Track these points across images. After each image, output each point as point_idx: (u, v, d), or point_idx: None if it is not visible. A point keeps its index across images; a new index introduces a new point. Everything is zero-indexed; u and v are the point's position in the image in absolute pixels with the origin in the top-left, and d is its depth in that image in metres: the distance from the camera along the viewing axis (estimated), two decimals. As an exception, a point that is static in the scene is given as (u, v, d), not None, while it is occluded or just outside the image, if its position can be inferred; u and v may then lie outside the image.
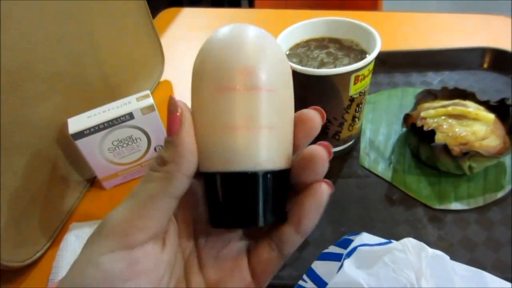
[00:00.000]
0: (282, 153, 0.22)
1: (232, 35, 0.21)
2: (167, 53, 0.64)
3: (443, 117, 0.42)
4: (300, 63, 0.41)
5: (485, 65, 0.56)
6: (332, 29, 0.44)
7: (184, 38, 0.74)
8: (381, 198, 0.41)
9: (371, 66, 0.39)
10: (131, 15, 0.54)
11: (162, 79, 0.64)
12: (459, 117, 0.42)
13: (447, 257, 0.24)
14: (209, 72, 0.21)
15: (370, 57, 0.37)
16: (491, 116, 0.41)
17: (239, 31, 0.22)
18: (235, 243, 0.25)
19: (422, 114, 0.44)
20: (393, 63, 0.57)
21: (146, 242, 0.20)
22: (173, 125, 0.21)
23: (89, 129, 0.42)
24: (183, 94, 0.59)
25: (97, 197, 0.47)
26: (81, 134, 0.41)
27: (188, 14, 0.83)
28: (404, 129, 0.48)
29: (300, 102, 0.44)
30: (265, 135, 0.21)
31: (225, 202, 0.22)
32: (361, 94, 0.40)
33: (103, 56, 0.49)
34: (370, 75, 0.40)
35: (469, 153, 0.39)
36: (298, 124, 0.23)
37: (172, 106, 0.21)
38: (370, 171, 0.44)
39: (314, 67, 0.40)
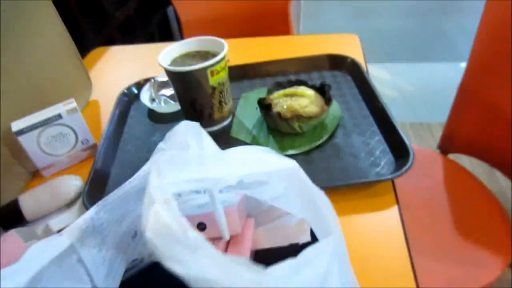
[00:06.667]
0: None
1: None
2: (97, 82, 0.81)
3: (283, 98, 0.62)
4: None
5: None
6: (203, 45, 0.63)
7: (112, 70, 0.92)
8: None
9: (223, 64, 0.58)
10: (60, 51, 0.72)
11: (91, 99, 0.80)
12: (292, 96, 0.62)
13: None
14: None
15: (219, 57, 0.56)
16: (311, 92, 0.61)
17: None
18: None
19: (270, 97, 0.63)
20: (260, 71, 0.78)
21: None
22: None
23: (27, 127, 0.57)
24: (108, 111, 0.76)
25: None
26: (22, 132, 0.57)
27: (117, 50, 1.01)
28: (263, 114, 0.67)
29: (178, 94, 0.62)
30: None
31: None
32: (219, 84, 0.59)
33: (40, 86, 0.65)
34: (225, 71, 0.59)
35: (295, 116, 0.58)
36: None
37: None
38: (237, 138, 0.62)
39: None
